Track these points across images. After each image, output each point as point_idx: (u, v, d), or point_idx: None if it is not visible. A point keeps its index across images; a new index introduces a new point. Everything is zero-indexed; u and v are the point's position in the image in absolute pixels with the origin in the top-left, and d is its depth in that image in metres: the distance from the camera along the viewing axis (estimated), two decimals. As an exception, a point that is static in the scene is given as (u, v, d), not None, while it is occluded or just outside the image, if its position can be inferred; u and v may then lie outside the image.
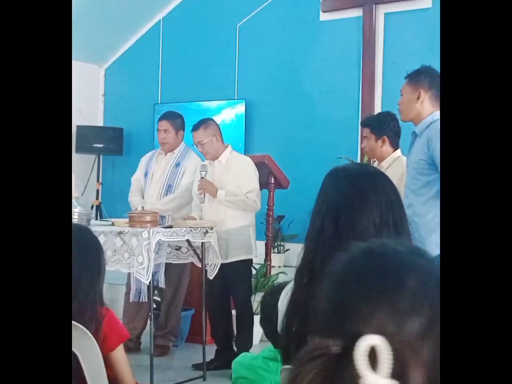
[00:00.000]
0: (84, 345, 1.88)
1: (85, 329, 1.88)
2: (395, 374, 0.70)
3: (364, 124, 4.31)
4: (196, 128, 4.49)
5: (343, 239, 1.38)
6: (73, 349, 1.86)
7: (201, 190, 4.40)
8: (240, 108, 6.91)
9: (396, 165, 3.97)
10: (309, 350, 0.73)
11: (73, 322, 1.88)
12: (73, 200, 4.16)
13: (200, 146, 4.47)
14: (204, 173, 4.40)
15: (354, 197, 1.47)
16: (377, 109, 5.88)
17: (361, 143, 4.94)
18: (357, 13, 6.22)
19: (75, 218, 3.84)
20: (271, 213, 5.28)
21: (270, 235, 5.40)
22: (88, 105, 7.81)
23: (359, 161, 5.86)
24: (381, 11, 6.11)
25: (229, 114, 6.96)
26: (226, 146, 4.55)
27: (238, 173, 4.43)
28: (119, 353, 2.12)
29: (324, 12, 6.41)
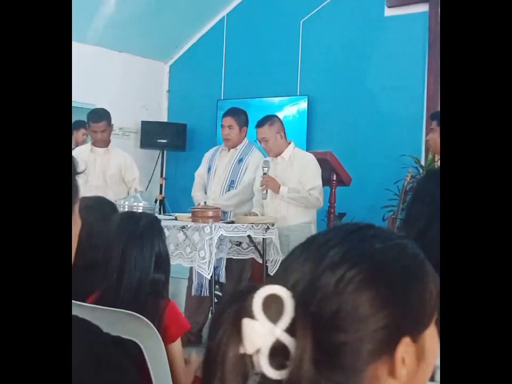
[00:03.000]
0: (146, 336, 1.91)
1: (146, 320, 1.90)
2: (290, 331, 0.72)
3: (432, 117, 4.25)
4: (260, 124, 4.49)
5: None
6: (136, 340, 1.89)
7: (264, 186, 4.41)
8: (303, 104, 6.89)
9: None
10: (234, 291, 0.79)
11: (134, 313, 1.91)
12: (137, 195, 4.25)
13: (264, 142, 4.48)
14: (267, 169, 4.41)
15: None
16: (443, 106, 5.76)
17: (426, 135, 4.87)
18: (423, 8, 6.11)
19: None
20: (332, 210, 5.24)
21: (331, 232, 5.36)
22: (153, 101, 7.95)
23: (423, 159, 5.76)
24: (448, 6, 5.98)
25: (291, 110, 6.96)
26: (289, 143, 4.55)
27: (300, 170, 4.42)
28: (177, 346, 2.13)
29: (389, 7, 6.32)
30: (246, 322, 0.72)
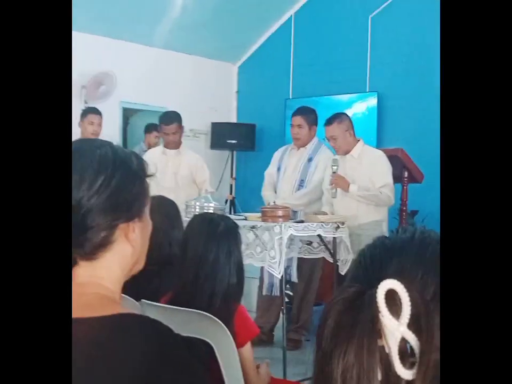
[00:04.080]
0: (218, 336, 1.92)
1: (218, 320, 1.91)
2: (413, 329, 0.70)
3: None
4: (329, 122, 4.46)
5: None
6: (208, 340, 1.91)
7: (333, 185, 4.37)
8: (372, 101, 6.80)
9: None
10: (335, 294, 0.77)
11: (206, 313, 1.93)
12: (208, 195, 4.29)
13: (332, 140, 4.45)
14: (336, 167, 4.37)
15: None
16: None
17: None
18: None
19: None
20: (404, 208, 5.14)
21: (404, 230, 5.27)
22: (222, 102, 8.02)
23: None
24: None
25: (360, 107, 6.88)
26: (358, 140, 4.50)
27: (370, 167, 4.36)
28: (247, 350, 2.13)
29: None
30: (380, 319, 0.71)
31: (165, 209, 2.42)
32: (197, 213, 3.36)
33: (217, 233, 2.16)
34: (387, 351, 0.71)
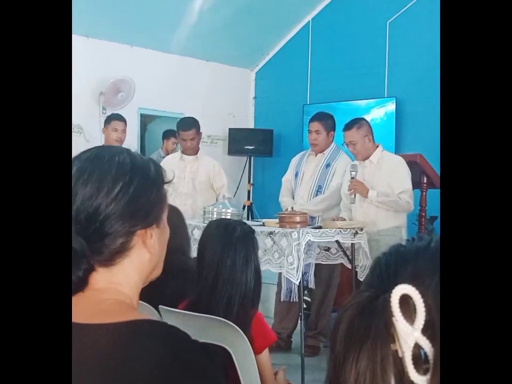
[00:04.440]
0: (236, 342, 1.92)
1: (236, 326, 1.91)
2: (427, 335, 0.69)
3: None
4: (348, 127, 4.44)
5: None
6: (226, 346, 1.90)
7: (352, 191, 4.35)
8: (391, 106, 6.77)
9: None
10: (348, 299, 0.76)
11: (224, 320, 1.92)
12: (226, 201, 4.29)
13: (351, 146, 4.43)
14: (354, 173, 4.35)
15: None
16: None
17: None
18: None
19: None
20: (423, 214, 5.11)
21: (423, 236, 5.23)
22: (239, 108, 8.04)
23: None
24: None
25: (378, 113, 6.85)
26: (377, 146, 4.48)
27: (389, 173, 4.34)
28: (264, 357, 2.11)
29: (479, 3, 6.12)
30: (394, 324, 0.71)
31: (169, 216, 2.43)
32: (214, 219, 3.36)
33: (234, 238, 2.16)
34: (400, 355, 0.70)
